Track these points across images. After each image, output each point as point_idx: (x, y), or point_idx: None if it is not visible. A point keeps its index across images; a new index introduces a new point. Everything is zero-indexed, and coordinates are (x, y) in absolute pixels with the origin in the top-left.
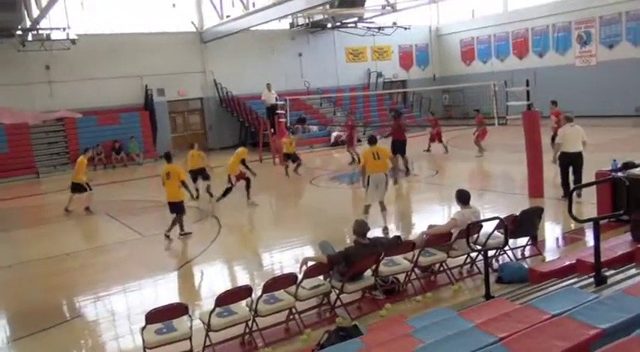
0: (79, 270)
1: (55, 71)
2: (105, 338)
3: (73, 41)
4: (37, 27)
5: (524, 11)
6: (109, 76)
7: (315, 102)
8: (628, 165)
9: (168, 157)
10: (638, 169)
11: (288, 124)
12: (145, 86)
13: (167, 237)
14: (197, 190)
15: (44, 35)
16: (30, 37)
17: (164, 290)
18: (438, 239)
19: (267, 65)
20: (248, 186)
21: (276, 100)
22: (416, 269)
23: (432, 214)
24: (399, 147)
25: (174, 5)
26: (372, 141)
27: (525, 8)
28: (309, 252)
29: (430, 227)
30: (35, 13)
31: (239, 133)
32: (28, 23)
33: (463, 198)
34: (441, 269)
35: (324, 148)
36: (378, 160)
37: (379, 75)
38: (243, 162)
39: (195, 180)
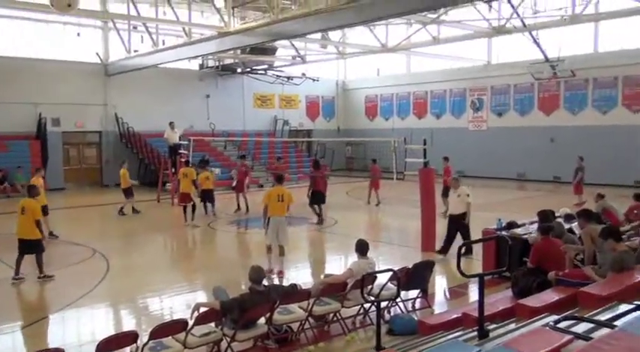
0: None
1: None
2: None
3: None
4: None
5: (424, 74)
6: (0, 100)
7: (219, 144)
8: (511, 225)
9: (29, 191)
10: (520, 229)
11: (190, 165)
12: (39, 114)
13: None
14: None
15: None
16: None
17: (40, 335)
18: (333, 288)
19: (172, 104)
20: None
21: (180, 139)
22: (310, 319)
23: (329, 263)
24: (319, 198)
25: (78, 34)
26: (280, 180)
27: (426, 72)
28: (202, 297)
29: (327, 276)
30: None
31: (138, 171)
32: None
33: (362, 248)
34: (335, 319)
35: (225, 192)
36: (280, 202)
37: (285, 122)
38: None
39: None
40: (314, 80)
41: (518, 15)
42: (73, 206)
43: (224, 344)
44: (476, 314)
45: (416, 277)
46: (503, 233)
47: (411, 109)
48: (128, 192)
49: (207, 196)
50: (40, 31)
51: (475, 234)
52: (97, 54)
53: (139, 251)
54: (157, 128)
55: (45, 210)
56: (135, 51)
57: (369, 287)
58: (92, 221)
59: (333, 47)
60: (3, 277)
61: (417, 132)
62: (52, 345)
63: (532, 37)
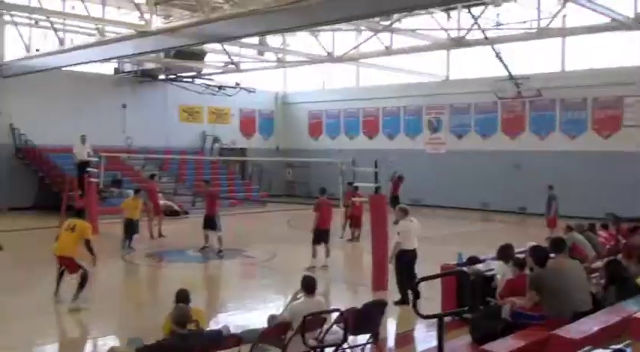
0: None
1: None
2: None
3: None
4: None
5: (376, 89)
6: None
7: (137, 162)
8: (473, 260)
9: None
10: (482, 265)
11: (101, 186)
12: None
13: None
14: None
15: None
16: None
17: None
18: (274, 332)
19: (82, 114)
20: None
21: (89, 156)
22: None
23: (266, 303)
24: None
25: None
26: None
27: (378, 86)
28: (112, 343)
29: (272, 317)
30: None
31: (36, 192)
32: None
33: (308, 286)
34: None
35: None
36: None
37: (216, 139)
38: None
39: None
40: (250, 91)
41: (479, 26)
42: None
43: None
44: None
45: (366, 319)
46: (464, 269)
47: (361, 128)
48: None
49: (131, 228)
50: None
51: (433, 269)
52: None
53: (36, 287)
54: (61, 142)
55: None
56: (37, 50)
57: (318, 330)
58: None
59: (272, 54)
60: None
61: (367, 153)
62: None
63: (494, 51)
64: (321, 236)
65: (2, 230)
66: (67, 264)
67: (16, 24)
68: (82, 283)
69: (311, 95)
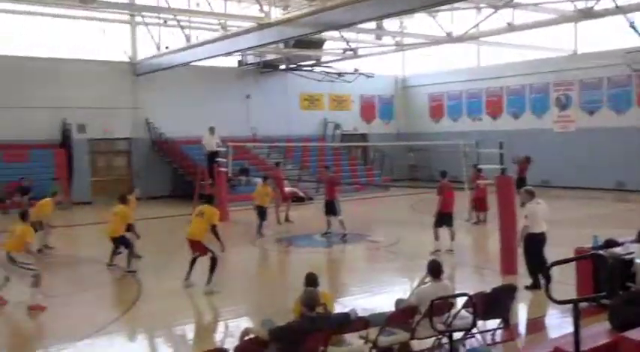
0: None
1: None
2: None
3: None
4: None
5: (498, 68)
6: (19, 105)
7: (262, 151)
8: (610, 244)
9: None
10: (620, 248)
11: (230, 175)
12: (63, 120)
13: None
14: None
15: None
16: None
17: None
18: (401, 316)
19: (209, 106)
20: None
21: (217, 146)
22: (373, 351)
23: (391, 286)
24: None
25: (104, 31)
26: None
27: (500, 65)
28: (245, 324)
29: (400, 301)
30: None
31: (171, 182)
32: None
33: (435, 269)
34: (405, 351)
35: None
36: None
37: (337, 126)
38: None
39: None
40: (368, 76)
41: None
42: (101, 222)
43: None
44: (570, 349)
45: (495, 304)
46: (601, 252)
47: (484, 108)
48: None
49: (260, 214)
50: (64, 28)
51: (566, 253)
52: (125, 52)
53: (175, 272)
54: (191, 133)
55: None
56: (166, 47)
57: (446, 315)
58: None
59: (389, 38)
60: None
61: (492, 134)
62: None
63: (627, 20)
64: (442, 219)
65: (143, 218)
66: (197, 248)
67: (146, 24)
68: (213, 267)
69: (431, 77)
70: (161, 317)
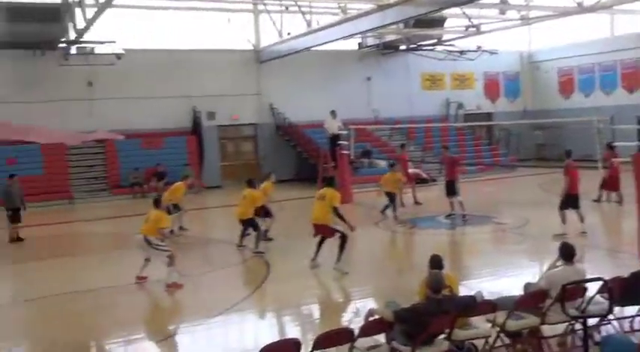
0: (108, 309)
1: (98, 88)
2: None
3: (119, 56)
4: (82, 40)
5: (635, 37)
6: (155, 95)
7: (383, 133)
8: None
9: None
10: None
11: (352, 157)
12: (194, 108)
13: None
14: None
15: (88, 49)
16: (74, 50)
17: (202, 339)
18: (531, 300)
19: (330, 89)
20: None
21: (339, 129)
22: (501, 335)
23: (519, 270)
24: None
25: (229, 20)
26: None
27: (636, 34)
28: (370, 305)
29: (529, 285)
30: (80, 24)
31: (295, 165)
32: (73, 35)
33: (567, 253)
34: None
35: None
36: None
37: (460, 105)
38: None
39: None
40: (492, 53)
41: None
42: (230, 204)
43: None
44: None
45: (634, 289)
46: None
47: (619, 81)
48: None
49: (390, 199)
50: (191, 20)
51: None
52: (249, 40)
53: (301, 253)
54: (313, 117)
55: (177, 207)
56: (287, 34)
57: (579, 300)
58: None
59: (514, 12)
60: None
61: (628, 109)
62: (213, 350)
63: None
64: (568, 201)
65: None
66: (323, 231)
67: (268, 12)
68: (342, 245)
69: (560, 51)
70: (288, 296)
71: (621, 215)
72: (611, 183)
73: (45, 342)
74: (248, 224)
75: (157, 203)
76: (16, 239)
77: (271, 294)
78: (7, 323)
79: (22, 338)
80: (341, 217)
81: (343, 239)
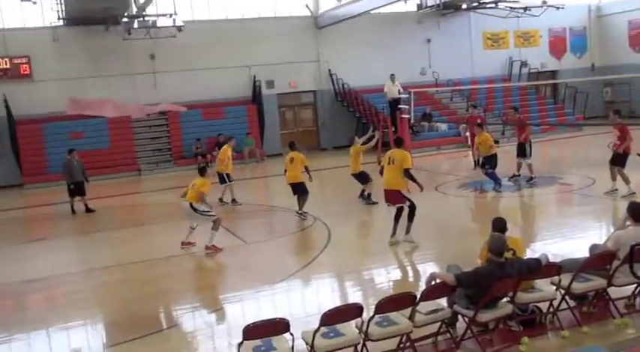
0: (177, 276)
1: (160, 61)
2: None
3: (179, 28)
4: (143, 14)
5: None
6: (215, 66)
7: (444, 95)
8: None
9: (200, 172)
10: None
11: (412, 121)
12: (253, 77)
13: (299, 214)
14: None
15: (150, 22)
16: (136, 25)
17: (265, 304)
18: (597, 262)
19: (389, 53)
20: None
21: (399, 93)
22: (567, 298)
23: (585, 232)
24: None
25: None
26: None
27: None
28: (431, 269)
29: (594, 247)
30: None
31: (355, 131)
32: (135, 10)
33: (638, 213)
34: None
35: (454, 149)
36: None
37: (523, 64)
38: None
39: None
40: (558, 8)
41: None
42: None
43: (459, 325)
44: None
45: None
46: None
47: None
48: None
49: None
50: None
51: None
52: (307, 6)
53: (361, 218)
54: (372, 82)
55: (229, 178)
56: None
57: None
58: (311, 187)
59: None
60: (232, 245)
61: None
62: (277, 315)
63: None
64: (619, 160)
65: (330, 167)
66: (393, 198)
67: None
68: (411, 216)
69: (631, 2)
70: (349, 262)
71: None
72: None
73: (122, 309)
74: (299, 188)
75: (202, 171)
76: (86, 210)
77: (332, 260)
78: (83, 290)
79: (96, 306)
80: (412, 178)
81: (412, 209)
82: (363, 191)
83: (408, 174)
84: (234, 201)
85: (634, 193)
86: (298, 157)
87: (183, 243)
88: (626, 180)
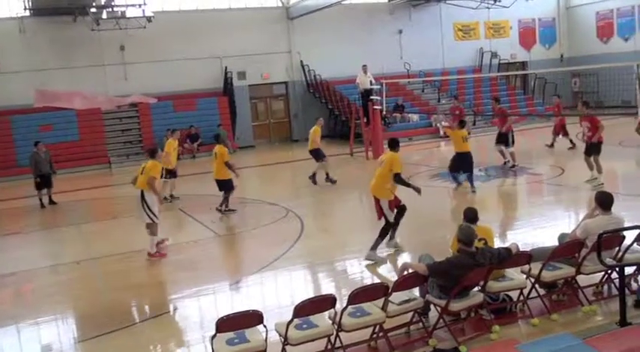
0: (149, 269)
1: (130, 52)
2: (174, 346)
3: (149, 19)
4: (112, 4)
5: None
6: (186, 57)
7: (416, 86)
8: None
9: (150, 153)
10: None
11: (384, 112)
12: (225, 68)
13: (219, 210)
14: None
15: (119, 12)
16: (104, 15)
17: (239, 296)
18: (566, 250)
19: (361, 44)
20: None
21: (371, 84)
22: (536, 286)
23: (554, 221)
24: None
25: None
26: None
27: None
28: (404, 260)
29: (563, 236)
30: None
31: (327, 122)
32: (103, 0)
33: (605, 202)
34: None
35: (426, 140)
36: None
37: (494, 55)
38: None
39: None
40: None
41: None
42: (263, 164)
43: (432, 314)
44: None
45: None
46: None
47: None
48: (318, 154)
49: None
50: None
51: None
52: None
53: (334, 209)
54: (344, 73)
55: (174, 173)
56: None
57: (616, 249)
58: (283, 179)
59: None
60: (204, 237)
61: None
62: (250, 307)
63: None
64: (593, 149)
65: (301, 159)
66: (376, 207)
67: None
68: (382, 232)
69: None
70: (322, 253)
71: None
72: None
73: (91, 303)
74: (221, 185)
75: (152, 153)
76: (49, 202)
77: (306, 251)
78: (54, 284)
79: (68, 301)
80: (404, 183)
81: (386, 228)
82: (314, 174)
83: (397, 179)
84: (172, 196)
85: (602, 184)
86: (220, 151)
87: (150, 254)
88: (599, 170)
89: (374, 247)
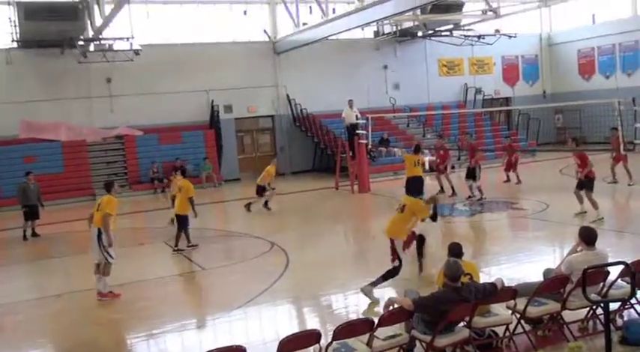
0: (132, 304)
1: (117, 84)
2: None
3: (137, 52)
4: (100, 37)
5: None
6: (173, 90)
7: (401, 121)
8: None
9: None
10: None
11: (370, 146)
12: (211, 102)
13: (178, 251)
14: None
15: (107, 45)
16: (92, 48)
17: (222, 331)
18: (551, 286)
19: (347, 79)
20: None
21: (357, 119)
22: (522, 322)
23: (539, 256)
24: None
25: (245, 12)
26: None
27: None
28: (389, 295)
29: (548, 271)
30: (98, 22)
31: (313, 156)
32: (91, 33)
33: (589, 237)
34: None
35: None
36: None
37: (478, 91)
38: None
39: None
40: (511, 37)
41: None
42: (248, 197)
43: (417, 350)
44: None
45: None
46: None
47: None
48: (260, 190)
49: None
50: (207, 13)
51: None
52: (265, 31)
53: (319, 243)
54: (330, 108)
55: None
56: (304, 24)
57: (601, 284)
58: (268, 212)
59: None
60: (188, 271)
61: None
62: (234, 342)
63: None
64: (584, 185)
65: (288, 192)
66: (391, 249)
67: (284, 2)
68: (387, 274)
69: (579, 32)
70: (307, 287)
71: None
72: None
73: (74, 337)
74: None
75: (108, 186)
76: (32, 234)
77: (290, 286)
78: (35, 319)
79: (47, 335)
80: (435, 218)
81: (395, 269)
82: (249, 204)
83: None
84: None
85: (602, 218)
86: (185, 186)
87: (101, 294)
88: (595, 205)
89: (374, 284)
